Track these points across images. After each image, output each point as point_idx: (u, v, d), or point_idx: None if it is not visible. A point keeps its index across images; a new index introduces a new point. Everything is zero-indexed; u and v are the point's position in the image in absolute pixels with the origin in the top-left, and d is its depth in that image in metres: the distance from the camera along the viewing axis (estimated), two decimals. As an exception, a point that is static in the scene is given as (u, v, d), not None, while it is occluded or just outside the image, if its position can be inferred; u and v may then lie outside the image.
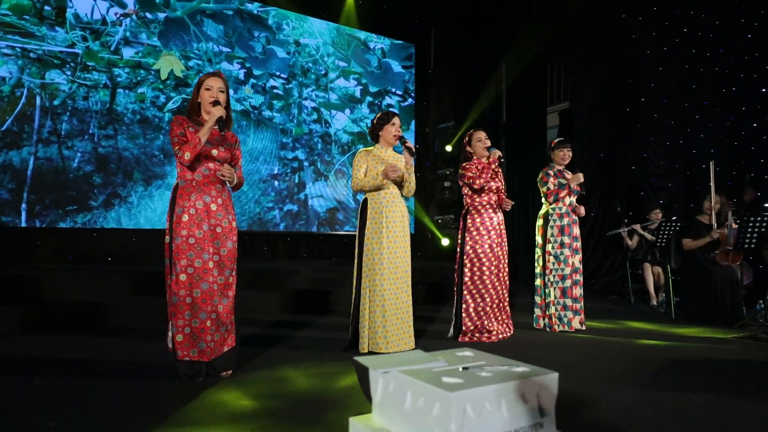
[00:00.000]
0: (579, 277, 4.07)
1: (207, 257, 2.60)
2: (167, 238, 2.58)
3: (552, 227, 4.09)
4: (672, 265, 5.05)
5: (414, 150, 3.32)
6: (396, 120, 3.42)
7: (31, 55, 5.34)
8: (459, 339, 3.58)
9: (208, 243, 2.61)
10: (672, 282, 5.00)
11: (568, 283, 4.02)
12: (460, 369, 1.07)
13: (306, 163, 7.02)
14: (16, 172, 5.24)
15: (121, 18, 5.83)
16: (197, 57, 6.26)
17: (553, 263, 4.04)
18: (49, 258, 5.34)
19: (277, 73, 6.83)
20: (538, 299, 4.14)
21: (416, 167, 7.98)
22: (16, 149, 5.25)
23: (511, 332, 3.78)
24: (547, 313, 4.06)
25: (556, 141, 4.27)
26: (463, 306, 3.60)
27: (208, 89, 2.67)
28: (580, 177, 4.11)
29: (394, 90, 7.84)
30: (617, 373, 2.73)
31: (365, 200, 3.37)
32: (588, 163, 6.90)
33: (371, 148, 3.49)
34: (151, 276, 4.45)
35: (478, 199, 3.73)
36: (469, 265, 3.63)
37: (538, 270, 4.16)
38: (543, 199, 4.24)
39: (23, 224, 5.26)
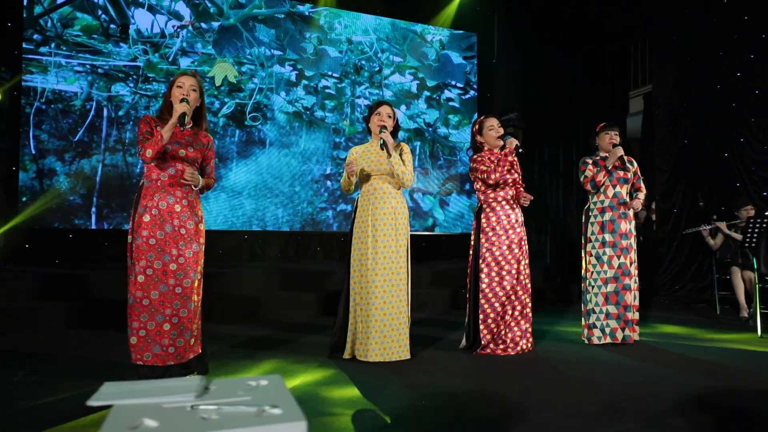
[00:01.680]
0: (629, 282, 3.54)
1: (168, 259, 2.56)
2: (129, 238, 2.59)
3: (593, 224, 3.61)
4: (762, 269, 4.25)
5: (385, 143, 3.07)
6: (382, 109, 3.18)
7: (99, 70, 5.80)
8: (477, 352, 3.25)
9: (171, 245, 2.58)
10: (759, 290, 4.20)
11: (611, 287, 3.52)
12: (188, 408, 0.88)
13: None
14: (86, 178, 5.72)
15: (179, 30, 6.14)
16: (250, 62, 6.43)
17: (594, 265, 3.56)
18: (115, 257, 5.76)
19: (330, 73, 6.82)
20: (583, 306, 3.67)
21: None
22: (87, 158, 5.73)
23: (531, 343, 3.37)
24: (587, 321, 3.58)
25: (602, 125, 3.76)
26: (481, 316, 3.27)
27: (179, 87, 2.64)
28: (618, 152, 3.55)
29: (453, 83, 7.49)
30: (628, 412, 2.28)
31: (357, 198, 3.22)
32: (669, 151, 6.08)
33: (364, 144, 3.30)
34: (210, 276, 4.62)
35: (492, 195, 3.38)
36: (486, 269, 3.29)
37: (583, 273, 3.69)
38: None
39: (93, 226, 5.74)
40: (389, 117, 3.20)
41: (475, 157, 3.45)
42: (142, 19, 6.00)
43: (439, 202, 7.33)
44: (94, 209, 5.75)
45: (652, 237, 6.75)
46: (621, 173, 3.63)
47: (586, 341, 3.57)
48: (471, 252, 3.40)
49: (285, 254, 6.56)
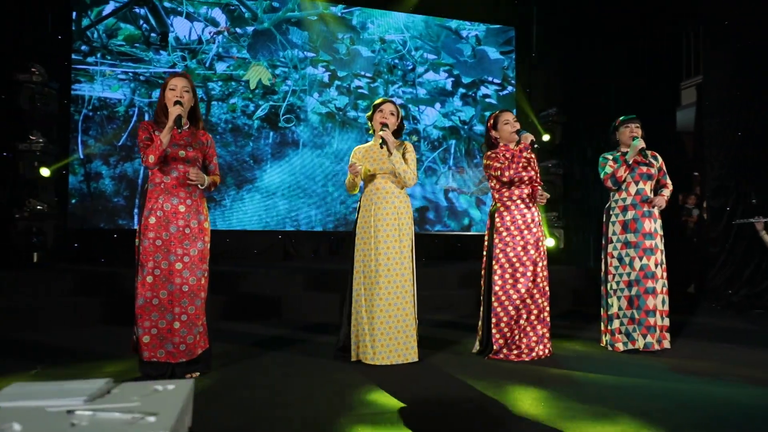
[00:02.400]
0: (655, 285, 3.31)
1: (174, 259, 2.64)
2: (136, 240, 2.67)
3: (614, 223, 3.41)
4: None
5: (385, 139, 3.00)
6: (384, 106, 3.12)
7: (141, 77, 6.07)
8: (488, 357, 3.15)
9: (176, 245, 2.65)
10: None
11: (635, 290, 3.31)
12: (65, 412, 0.88)
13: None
14: (129, 181, 6.01)
15: (215, 36, 6.33)
16: (283, 65, 6.54)
17: (617, 267, 3.36)
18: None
19: (362, 73, 6.82)
20: (602, 311, 3.48)
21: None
22: (129, 162, 6.01)
23: (549, 350, 3.22)
24: (609, 327, 3.39)
25: (621, 118, 3.54)
26: (493, 320, 3.16)
27: (172, 89, 2.70)
28: (638, 145, 3.33)
29: (490, 79, 7.31)
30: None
31: (360, 198, 3.20)
32: (722, 145, 5.67)
33: (368, 142, 3.27)
34: (238, 275, 4.78)
35: (507, 193, 3.25)
36: (499, 271, 3.18)
37: (603, 276, 3.50)
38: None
39: (135, 227, 6.00)
40: (392, 114, 3.15)
41: (489, 153, 3.34)
42: (180, 27, 6.22)
43: (475, 201, 7.17)
44: (135, 210, 6.02)
45: (704, 237, 6.31)
46: (644, 169, 3.40)
47: (609, 348, 3.37)
48: (485, 253, 3.29)
49: (318, 254, 6.63)
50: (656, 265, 3.34)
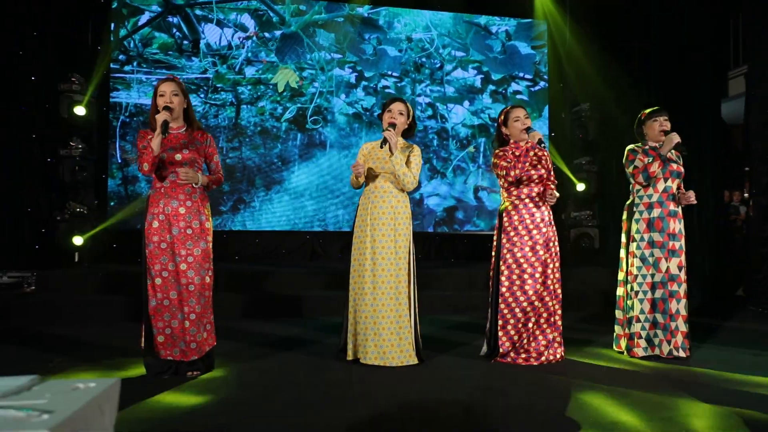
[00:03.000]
0: (677, 288, 3.14)
1: (179, 260, 2.72)
2: (144, 245, 2.76)
3: (638, 221, 3.24)
4: None
5: (386, 139, 2.97)
6: (394, 106, 3.09)
7: (174, 84, 6.29)
8: (495, 361, 3.07)
9: (180, 246, 2.72)
10: None
11: (659, 293, 3.13)
12: None
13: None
14: (164, 183, 6.24)
15: (244, 41, 6.48)
16: (310, 67, 6.62)
17: (639, 267, 3.19)
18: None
19: (389, 72, 6.81)
20: (619, 314, 3.32)
21: (553, 160, 7.13)
22: (164, 165, 6.24)
23: (560, 354, 3.10)
24: (627, 331, 3.23)
25: (648, 111, 3.36)
26: (500, 322, 3.08)
27: (161, 95, 2.77)
28: (674, 138, 3.14)
29: (521, 74, 7.13)
30: None
31: (359, 199, 3.19)
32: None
33: (377, 140, 3.24)
34: (261, 274, 4.88)
35: (516, 192, 3.17)
36: (506, 272, 3.10)
37: (621, 276, 3.34)
38: (630, 187, 3.39)
39: (170, 227, 6.23)
40: (401, 114, 3.12)
41: (497, 151, 3.26)
42: (211, 34, 6.41)
43: (506, 200, 7.00)
44: (170, 212, 6.24)
45: (753, 236, 5.91)
46: (674, 166, 3.22)
47: (626, 353, 3.20)
48: (493, 253, 3.21)
49: (345, 254, 6.65)
50: (680, 268, 3.16)
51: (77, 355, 3.18)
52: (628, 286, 3.24)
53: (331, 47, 6.67)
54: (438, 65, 6.93)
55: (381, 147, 3.04)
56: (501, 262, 3.12)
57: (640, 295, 3.17)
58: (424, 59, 6.91)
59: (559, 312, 3.12)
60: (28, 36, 5.50)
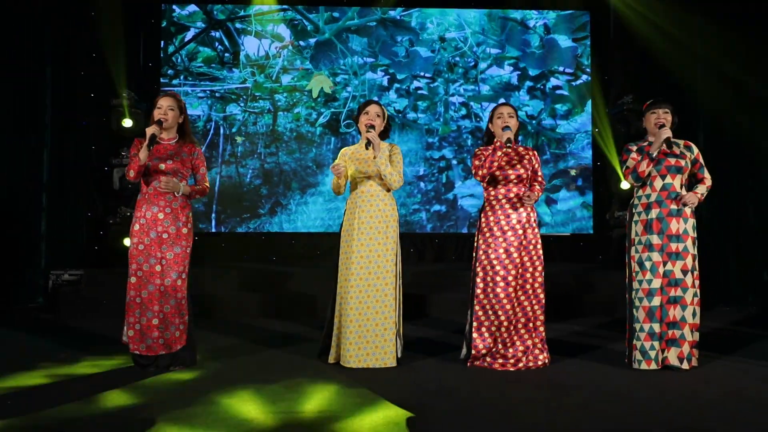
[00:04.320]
0: (679, 294, 2.92)
1: (154, 261, 2.92)
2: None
3: (636, 223, 3.06)
4: None
5: (370, 141, 2.99)
6: (370, 108, 3.13)
7: (216, 94, 6.70)
8: (469, 364, 3.03)
9: (155, 249, 2.93)
10: None
11: (656, 301, 2.94)
12: None
13: (454, 162, 6.78)
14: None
15: (280, 50, 6.76)
16: (343, 72, 6.77)
17: (636, 273, 3.01)
18: (231, 257, 6.59)
19: (421, 74, 6.80)
20: (627, 322, 3.14)
21: (596, 156, 6.78)
22: (207, 171, 6.65)
23: (542, 362, 2.99)
24: (631, 341, 3.04)
25: (648, 103, 3.16)
26: (474, 323, 3.04)
27: (158, 108, 2.99)
28: (663, 134, 2.92)
29: (561, 69, 6.85)
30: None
31: (347, 200, 3.25)
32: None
33: (354, 144, 3.30)
34: (284, 274, 5.14)
35: (493, 192, 3.11)
36: (481, 273, 3.05)
37: (627, 282, 3.16)
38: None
39: (213, 230, 6.65)
40: (378, 116, 3.16)
41: (477, 149, 3.21)
42: (250, 45, 6.74)
43: (545, 200, 6.77)
44: (213, 215, 6.65)
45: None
46: (672, 161, 2.99)
47: (634, 364, 3.00)
48: (473, 254, 3.17)
49: (379, 255, 6.74)
50: (685, 272, 2.92)
51: (94, 347, 3.50)
52: (631, 293, 3.04)
53: (363, 51, 6.78)
54: (472, 64, 6.83)
55: (366, 148, 3.08)
56: (477, 263, 3.07)
57: (636, 303, 2.98)
58: (457, 58, 6.83)
59: (542, 318, 3.01)
60: (87, 57, 6.09)
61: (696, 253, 2.98)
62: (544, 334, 3.02)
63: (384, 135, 3.25)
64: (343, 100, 6.75)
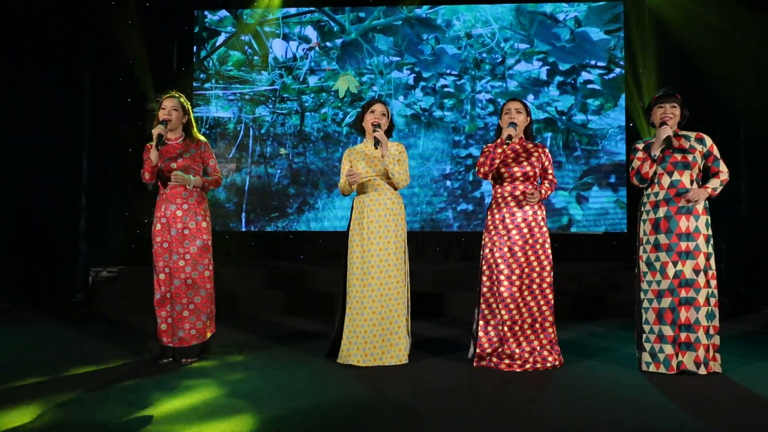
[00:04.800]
0: (694, 295, 2.79)
1: (177, 257, 3.04)
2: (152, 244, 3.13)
3: (644, 222, 2.95)
4: None
5: (379, 140, 2.99)
6: (376, 107, 3.14)
7: (246, 97, 6.87)
8: (475, 364, 3.00)
9: (177, 245, 3.04)
10: None
11: (666, 302, 2.82)
12: None
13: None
14: (238, 188, 6.84)
15: (307, 52, 6.86)
16: (369, 72, 6.80)
17: (645, 273, 2.90)
18: (260, 255, 6.74)
19: (447, 71, 6.75)
20: (637, 324, 3.03)
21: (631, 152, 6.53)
22: (238, 171, 6.84)
23: (551, 363, 2.91)
24: (643, 343, 2.94)
25: (656, 96, 3.02)
26: (481, 323, 3.00)
27: (162, 109, 3.10)
28: (662, 133, 2.79)
29: (593, 62, 6.64)
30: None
31: (353, 199, 3.26)
32: None
33: (359, 144, 3.31)
34: (306, 272, 5.22)
35: (500, 190, 3.06)
36: (487, 272, 3.01)
37: (638, 283, 3.05)
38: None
39: (243, 229, 6.82)
40: (383, 115, 3.17)
41: (485, 146, 3.17)
42: (278, 48, 6.87)
43: (576, 198, 6.59)
44: (243, 214, 6.82)
45: None
46: (678, 156, 2.86)
47: (643, 367, 2.89)
48: (481, 252, 3.12)
49: (405, 254, 6.73)
50: (697, 272, 2.79)
51: (117, 341, 3.67)
52: (640, 294, 2.93)
53: (389, 51, 6.79)
54: (499, 60, 6.72)
55: (375, 147, 3.09)
56: (483, 262, 3.03)
57: (645, 304, 2.87)
58: (484, 55, 6.74)
59: (550, 319, 2.94)
60: (124, 64, 6.36)
61: (711, 251, 2.83)
62: (553, 335, 2.94)
63: (387, 134, 3.25)
64: (369, 100, 6.76)
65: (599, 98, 6.62)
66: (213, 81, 6.90)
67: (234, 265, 5.93)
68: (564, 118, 6.64)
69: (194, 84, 6.90)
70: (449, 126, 6.72)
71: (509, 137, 2.90)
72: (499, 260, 2.96)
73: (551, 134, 6.66)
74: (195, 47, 6.93)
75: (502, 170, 3.04)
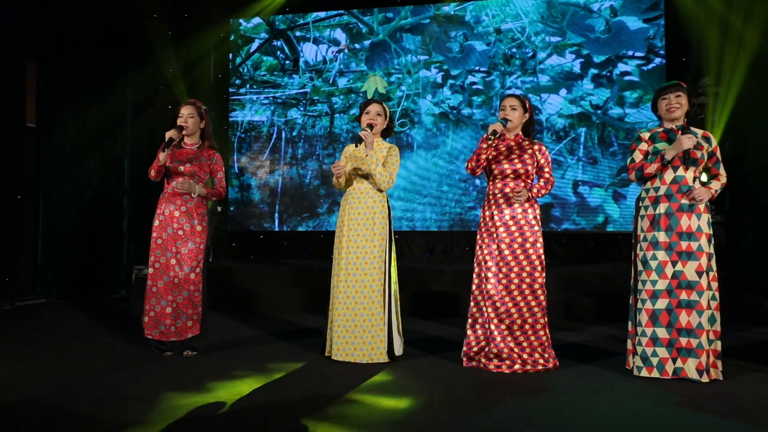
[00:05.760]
0: (696, 297, 2.62)
1: (170, 255, 3.19)
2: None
3: (642, 218, 2.80)
4: None
5: (363, 138, 3.00)
6: (371, 107, 3.16)
7: (278, 100, 7.07)
8: (464, 364, 2.95)
9: (171, 244, 3.19)
10: None
11: (663, 303, 2.66)
12: None
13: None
14: (271, 189, 7.05)
15: (336, 54, 6.96)
16: (397, 71, 6.81)
17: (640, 272, 2.76)
18: (293, 254, 6.91)
19: (476, 68, 6.64)
20: (630, 325, 2.89)
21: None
22: (271, 173, 7.05)
23: (543, 366, 2.82)
24: (632, 346, 2.80)
25: (661, 87, 2.86)
26: (469, 320, 2.96)
27: (180, 116, 3.25)
28: (684, 142, 2.62)
29: (630, 53, 6.32)
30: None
31: (341, 198, 3.31)
32: None
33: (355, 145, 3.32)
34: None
35: (491, 187, 3.00)
36: (477, 269, 2.97)
37: (632, 282, 2.91)
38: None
39: (276, 228, 7.02)
40: (378, 115, 3.18)
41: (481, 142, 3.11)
42: (309, 52, 7.03)
43: (612, 196, 6.29)
44: (276, 215, 7.03)
45: None
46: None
47: (634, 371, 2.75)
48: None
49: (433, 253, 6.70)
50: (700, 274, 2.61)
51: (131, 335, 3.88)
52: (636, 294, 2.79)
53: (417, 50, 6.77)
54: (530, 54, 6.53)
55: (356, 146, 3.13)
56: (474, 259, 2.98)
57: (639, 305, 2.71)
58: (514, 50, 6.57)
59: (542, 321, 2.84)
60: (165, 73, 6.72)
61: (713, 251, 2.64)
62: (545, 337, 2.84)
63: (387, 134, 3.26)
64: (397, 99, 6.79)
65: (637, 90, 6.29)
66: (247, 86, 7.15)
67: (261, 264, 6.13)
68: (599, 112, 6.36)
69: (230, 90, 7.18)
70: (478, 124, 6.61)
71: (494, 132, 2.84)
72: (488, 258, 2.90)
73: (585, 129, 6.40)
74: (231, 54, 7.21)
75: (493, 167, 2.98)
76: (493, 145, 2.94)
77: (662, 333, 2.64)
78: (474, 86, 6.63)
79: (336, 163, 3.20)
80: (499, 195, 2.94)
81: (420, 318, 4.57)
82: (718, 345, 2.62)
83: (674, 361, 2.61)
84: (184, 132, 3.28)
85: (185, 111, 3.28)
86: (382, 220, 3.10)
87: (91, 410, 2.25)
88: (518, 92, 6.51)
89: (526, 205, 2.92)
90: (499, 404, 2.34)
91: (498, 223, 2.91)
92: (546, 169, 2.99)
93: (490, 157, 2.97)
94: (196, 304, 3.23)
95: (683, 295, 2.61)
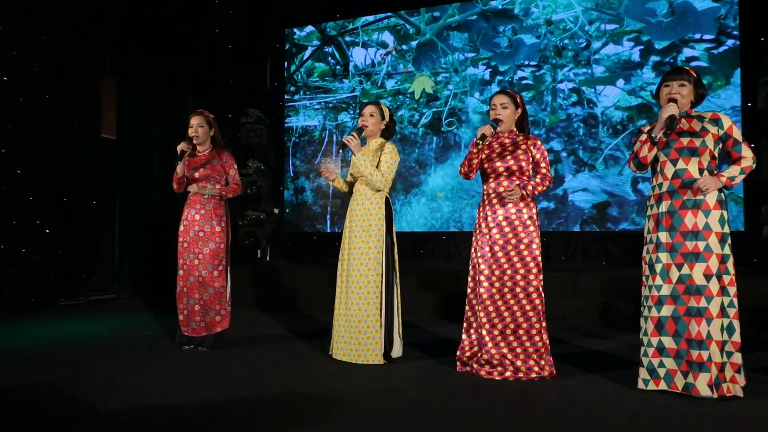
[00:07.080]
0: (705, 304, 2.36)
1: (192, 257, 3.39)
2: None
3: (648, 218, 2.57)
4: None
5: (345, 143, 3.01)
6: (365, 110, 3.19)
7: (329, 105, 7.25)
8: (458, 369, 2.87)
9: (193, 245, 3.39)
10: None
11: (669, 310, 2.42)
12: None
13: (563, 154, 6.20)
14: (323, 192, 7.24)
15: (384, 57, 7.01)
16: (444, 70, 6.72)
17: (647, 277, 2.53)
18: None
19: (526, 62, 6.38)
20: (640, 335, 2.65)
21: (749, 137, 5.51)
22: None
23: (537, 374, 2.66)
24: (641, 357, 2.56)
25: (666, 72, 2.61)
26: (464, 324, 2.87)
27: (190, 127, 3.45)
28: (665, 112, 2.37)
29: (697, 36, 5.76)
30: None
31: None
32: None
33: (364, 145, 3.32)
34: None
35: (485, 186, 2.90)
36: (471, 272, 2.88)
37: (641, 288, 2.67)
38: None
39: (328, 230, 7.19)
40: (371, 116, 3.19)
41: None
42: (358, 56, 7.14)
43: (677, 193, 5.76)
44: (328, 216, 7.20)
45: None
46: (684, 141, 2.41)
47: (639, 384, 2.51)
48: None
49: (481, 255, 6.52)
50: (708, 277, 2.34)
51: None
52: (642, 300, 2.54)
53: (464, 47, 6.64)
54: (583, 45, 6.17)
55: (338, 152, 3.16)
56: (470, 261, 2.88)
57: (645, 312, 2.47)
58: (566, 41, 6.24)
59: (537, 326, 2.68)
60: (225, 83, 7.14)
61: (728, 252, 2.34)
62: (541, 344, 2.67)
63: (386, 133, 3.25)
64: (444, 99, 6.71)
65: (706, 76, 5.73)
66: (301, 92, 7.40)
67: (308, 265, 6.30)
68: (661, 102, 5.85)
69: (285, 97, 7.46)
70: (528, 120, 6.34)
71: (483, 137, 2.72)
72: (481, 260, 2.78)
73: (646, 122, 5.91)
74: (285, 63, 7.50)
75: (485, 166, 2.87)
76: (484, 148, 2.84)
77: (669, 342, 2.38)
78: (523, 81, 6.38)
79: (325, 167, 3.24)
80: (493, 195, 2.83)
81: (455, 323, 4.47)
82: (738, 358, 2.32)
83: (685, 375, 2.35)
84: (195, 141, 3.47)
85: (194, 121, 3.47)
86: (378, 221, 3.08)
87: (77, 399, 2.46)
88: (570, 86, 6.18)
89: (521, 204, 2.77)
90: (470, 413, 2.24)
91: (492, 224, 2.79)
92: (542, 165, 2.83)
93: (483, 156, 2.86)
94: (223, 300, 3.42)
95: (691, 302, 2.34)
